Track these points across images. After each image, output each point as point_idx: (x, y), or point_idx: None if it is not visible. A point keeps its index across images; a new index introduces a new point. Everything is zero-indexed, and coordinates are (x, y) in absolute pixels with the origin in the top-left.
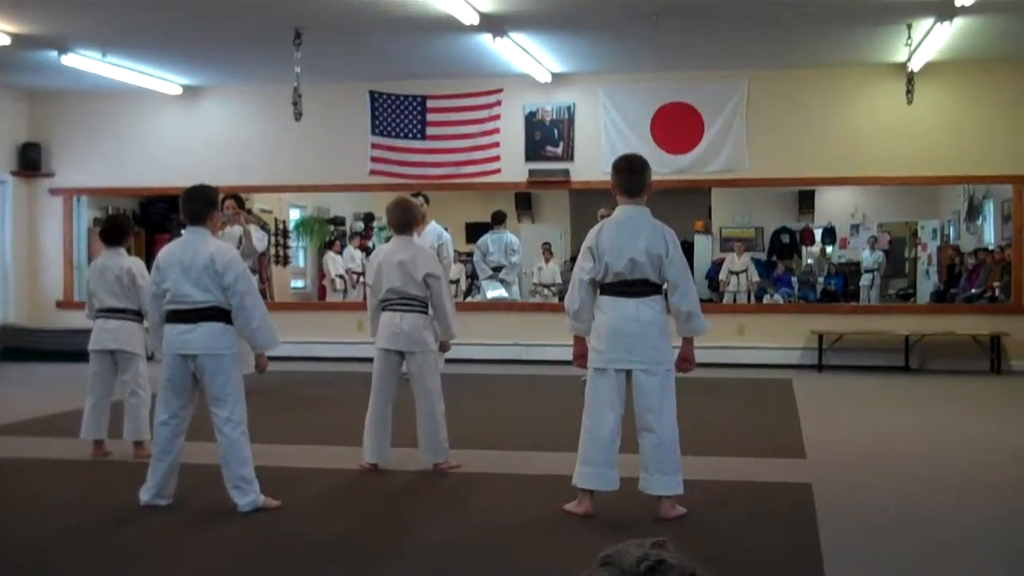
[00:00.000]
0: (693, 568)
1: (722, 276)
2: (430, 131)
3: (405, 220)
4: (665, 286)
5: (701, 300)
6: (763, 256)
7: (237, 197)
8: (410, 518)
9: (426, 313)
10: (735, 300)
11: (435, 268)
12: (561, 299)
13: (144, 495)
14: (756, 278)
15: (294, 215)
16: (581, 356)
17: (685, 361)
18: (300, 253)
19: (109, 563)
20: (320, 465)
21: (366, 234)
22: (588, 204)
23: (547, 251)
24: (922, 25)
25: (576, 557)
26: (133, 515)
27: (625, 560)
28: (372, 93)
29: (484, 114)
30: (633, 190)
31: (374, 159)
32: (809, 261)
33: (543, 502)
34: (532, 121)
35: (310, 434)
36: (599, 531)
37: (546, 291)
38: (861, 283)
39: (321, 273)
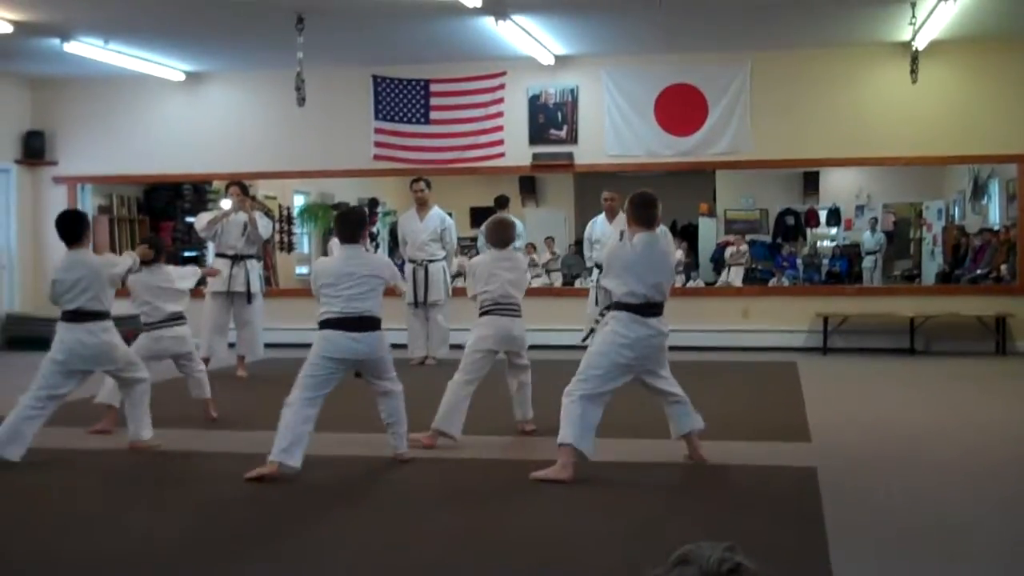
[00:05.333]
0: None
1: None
2: (433, 115)
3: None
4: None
5: (705, 283)
6: (768, 238)
7: (241, 184)
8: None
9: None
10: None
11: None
12: (566, 283)
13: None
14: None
15: (298, 201)
16: None
17: None
18: (304, 239)
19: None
20: (333, 453)
21: (370, 220)
22: (592, 187)
23: (549, 244)
24: (926, 3)
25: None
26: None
27: (705, 561)
28: (375, 77)
29: (487, 97)
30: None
31: (377, 144)
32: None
33: (553, 487)
34: (535, 104)
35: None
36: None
37: (547, 276)
38: (864, 265)
39: None
